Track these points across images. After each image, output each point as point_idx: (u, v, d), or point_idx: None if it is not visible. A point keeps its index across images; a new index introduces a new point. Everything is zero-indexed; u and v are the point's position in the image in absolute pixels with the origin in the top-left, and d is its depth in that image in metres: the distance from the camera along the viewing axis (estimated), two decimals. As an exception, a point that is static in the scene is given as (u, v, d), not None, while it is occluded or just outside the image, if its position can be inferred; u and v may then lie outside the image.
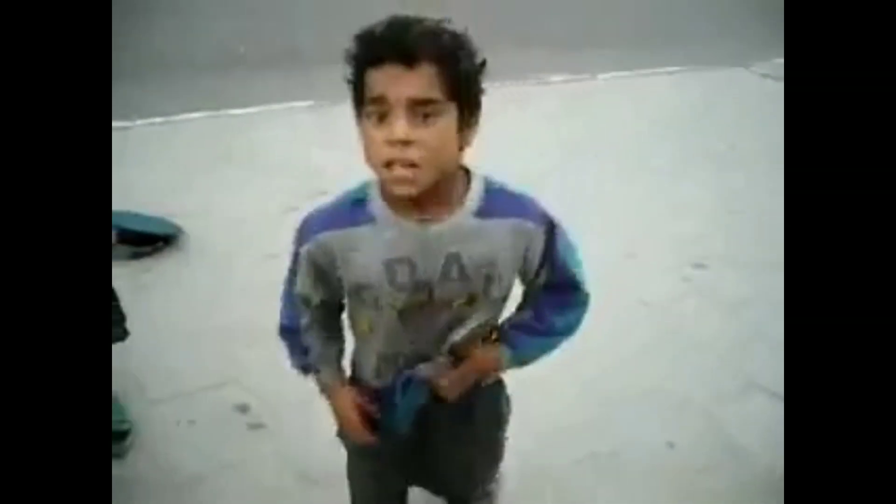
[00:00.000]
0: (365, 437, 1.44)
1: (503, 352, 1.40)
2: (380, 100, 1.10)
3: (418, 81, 1.09)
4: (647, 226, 3.72)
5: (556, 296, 1.37)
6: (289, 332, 1.44)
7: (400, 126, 1.09)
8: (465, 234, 1.23)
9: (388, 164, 1.12)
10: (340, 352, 1.47)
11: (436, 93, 1.10)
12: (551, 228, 1.29)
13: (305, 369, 1.47)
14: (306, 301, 1.37)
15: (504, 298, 1.35)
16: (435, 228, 1.22)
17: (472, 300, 1.29)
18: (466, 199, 1.24)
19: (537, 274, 1.33)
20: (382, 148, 1.11)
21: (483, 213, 1.24)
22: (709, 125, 5.00)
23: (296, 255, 1.33)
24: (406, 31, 1.10)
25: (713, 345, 2.84)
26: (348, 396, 1.44)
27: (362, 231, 1.25)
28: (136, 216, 3.36)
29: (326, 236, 1.27)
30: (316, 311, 1.39)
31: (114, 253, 3.17)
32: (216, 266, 3.24)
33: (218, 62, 5.38)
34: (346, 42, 1.16)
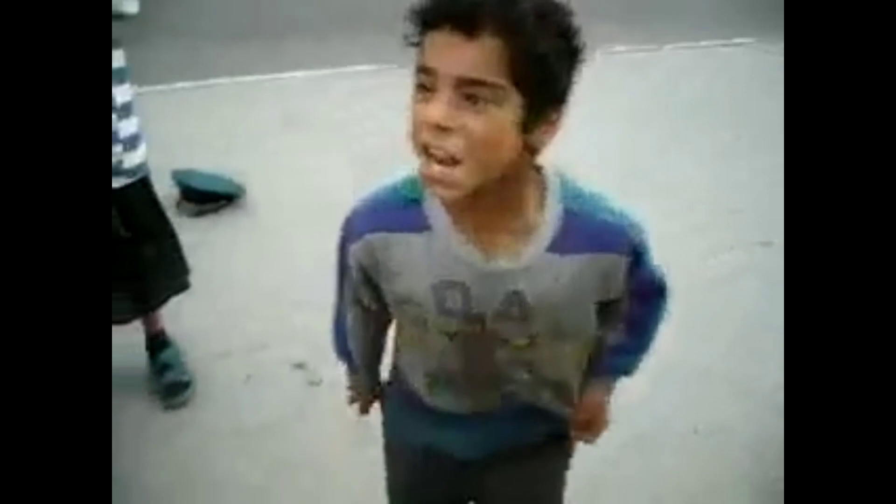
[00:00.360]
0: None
1: (607, 381, 1.31)
2: (428, 71, 0.91)
3: (474, 55, 0.87)
4: (710, 199, 3.62)
5: (643, 304, 1.22)
6: (338, 330, 1.35)
7: (437, 107, 0.89)
8: (534, 272, 1.05)
9: (426, 151, 0.93)
10: (379, 362, 1.39)
11: (493, 74, 0.87)
12: (636, 251, 1.10)
13: (342, 358, 1.40)
14: (358, 301, 1.23)
15: (584, 333, 1.20)
16: (499, 265, 1.05)
17: (533, 341, 1.13)
18: (541, 226, 1.04)
19: (618, 295, 1.15)
20: (420, 128, 0.92)
21: (558, 246, 1.04)
22: (777, 98, 4.84)
23: (343, 254, 1.18)
24: None
25: (774, 325, 2.75)
26: (371, 400, 1.44)
27: (414, 240, 1.06)
28: (201, 174, 3.44)
29: (374, 238, 1.09)
30: (367, 316, 1.26)
31: (178, 210, 3.25)
32: (277, 226, 3.29)
33: (281, 26, 5.42)
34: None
